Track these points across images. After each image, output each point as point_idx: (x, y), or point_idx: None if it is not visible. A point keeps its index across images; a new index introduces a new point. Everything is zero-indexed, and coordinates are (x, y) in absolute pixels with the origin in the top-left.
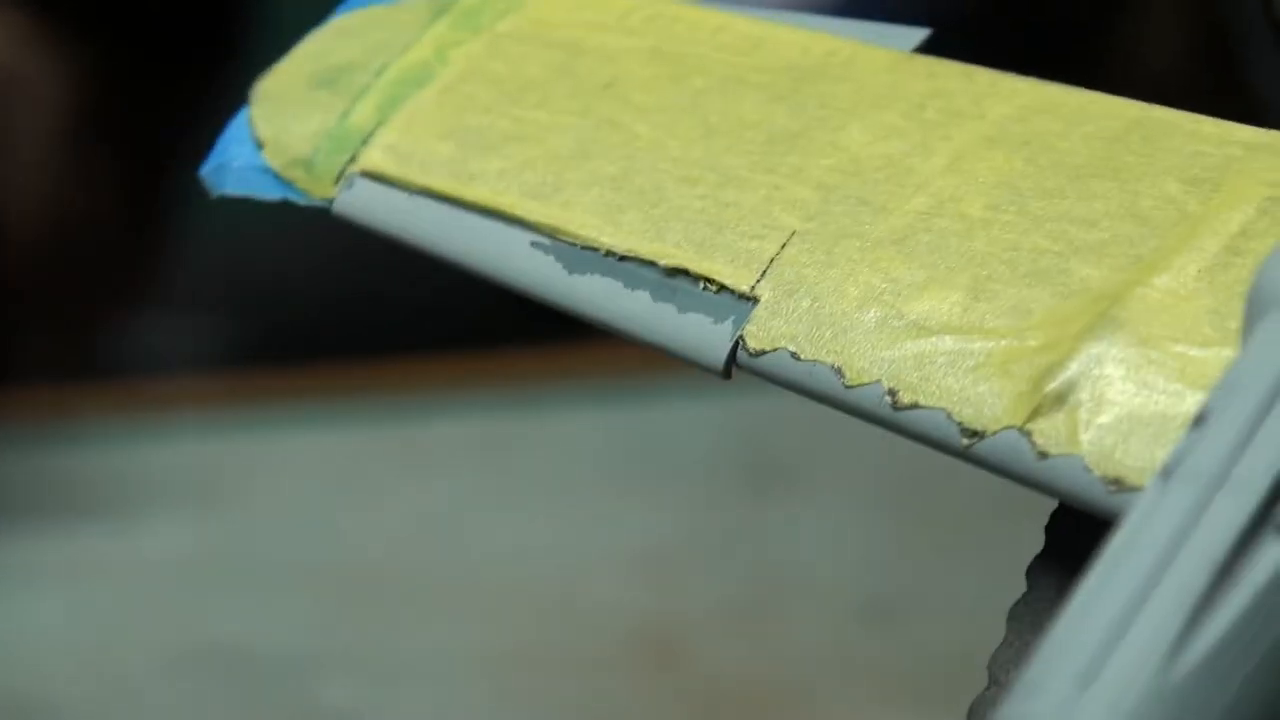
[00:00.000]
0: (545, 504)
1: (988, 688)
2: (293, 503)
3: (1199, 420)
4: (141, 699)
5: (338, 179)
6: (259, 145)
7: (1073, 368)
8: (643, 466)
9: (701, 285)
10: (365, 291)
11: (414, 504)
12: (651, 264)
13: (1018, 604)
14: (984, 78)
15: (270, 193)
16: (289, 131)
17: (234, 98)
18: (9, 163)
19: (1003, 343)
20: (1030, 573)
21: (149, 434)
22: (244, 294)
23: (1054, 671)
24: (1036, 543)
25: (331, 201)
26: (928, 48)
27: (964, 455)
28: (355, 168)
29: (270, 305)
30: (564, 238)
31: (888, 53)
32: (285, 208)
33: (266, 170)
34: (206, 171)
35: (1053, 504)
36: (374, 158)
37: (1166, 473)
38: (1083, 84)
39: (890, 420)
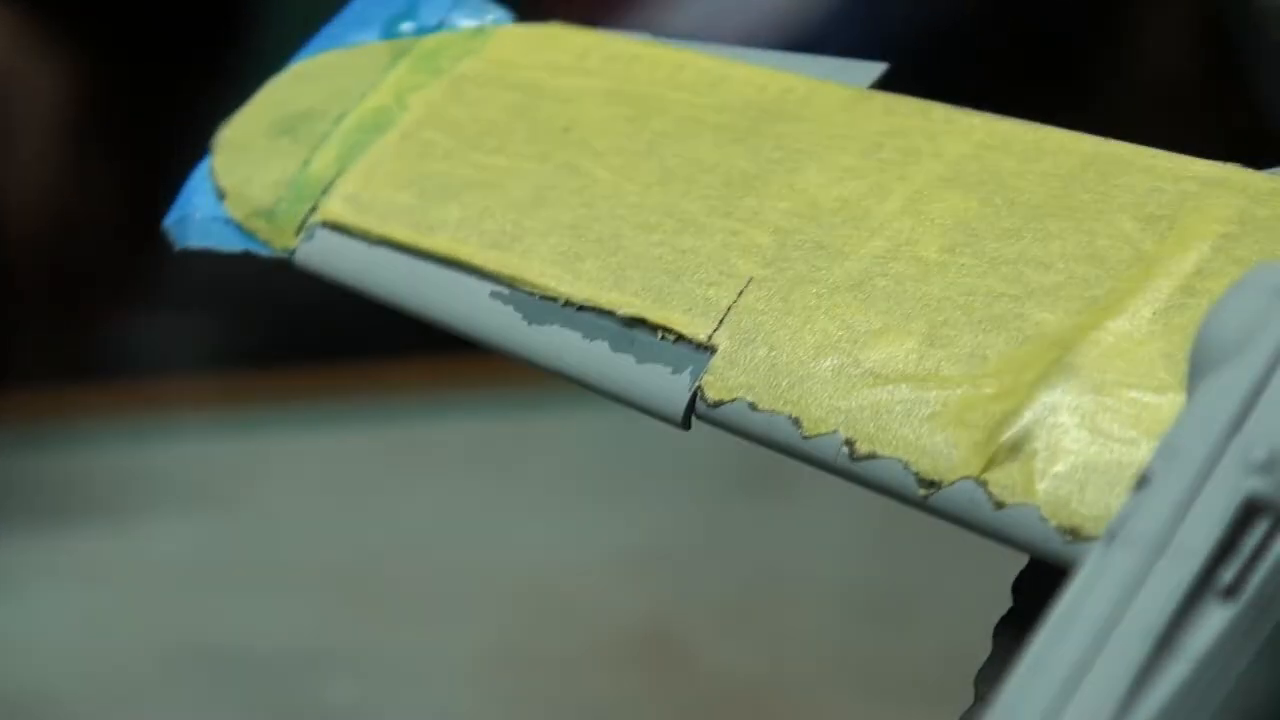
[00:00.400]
0: (542, 504)
1: (974, 703)
2: (291, 504)
3: (1141, 482)
4: (142, 699)
5: (299, 229)
6: (220, 196)
7: (1027, 416)
8: (639, 467)
9: (660, 335)
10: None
11: (412, 505)
12: (610, 314)
13: (1002, 620)
14: (940, 114)
15: (232, 245)
16: (250, 181)
17: (233, 95)
18: (5, 162)
19: (958, 391)
20: (996, 634)
21: (149, 435)
22: (244, 295)
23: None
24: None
25: (293, 253)
26: (885, 82)
27: (921, 505)
28: (316, 218)
29: (270, 307)
30: (523, 287)
31: (845, 89)
32: None
33: (229, 221)
34: (170, 224)
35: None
36: (334, 208)
37: (1110, 536)
38: (1061, 98)
39: (848, 471)
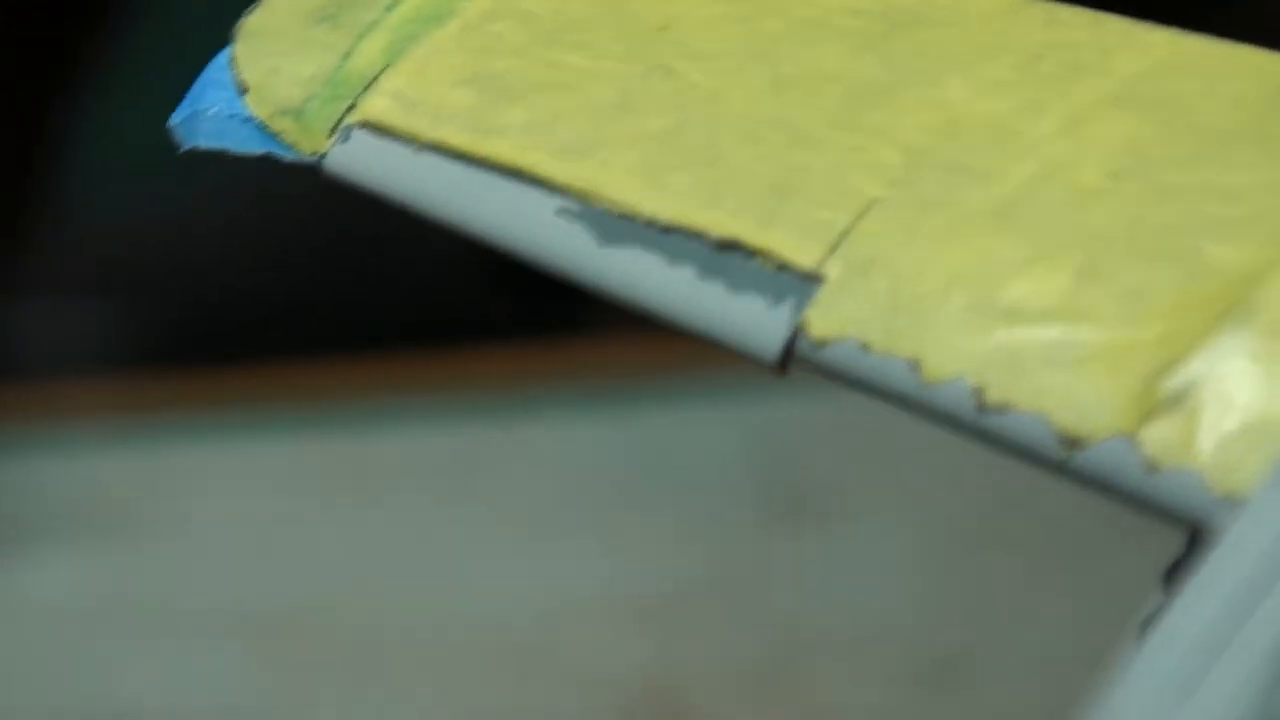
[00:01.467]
0: (527, 536)
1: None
2: (216, 534)
3: None
4: None
5: (333, 130)
6: (241, 91)
7: (1195, 365)
8: (640, 490)
9: (758, 261)
10: (303, 275)
11: (364, 536)
12: (700, 235)
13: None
14: (1114, 26)
15: (250, 146)
16: (278, 74)
17: (122, 72)
18: None
19: (1114, 333)
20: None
21: (33, 448)
22: (152, 283)
23: (1138, 693)
24: (1136, 583)
25: (323, 157)
26: None
27: (1061, 468)
28: (354, 117)
29: (183, 296)
30: (598, 203)
31: None
32: (200, 173)
33: (248, 120)
34: (177, 121)
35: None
36: (377, 106)
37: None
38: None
39: (974, 425)
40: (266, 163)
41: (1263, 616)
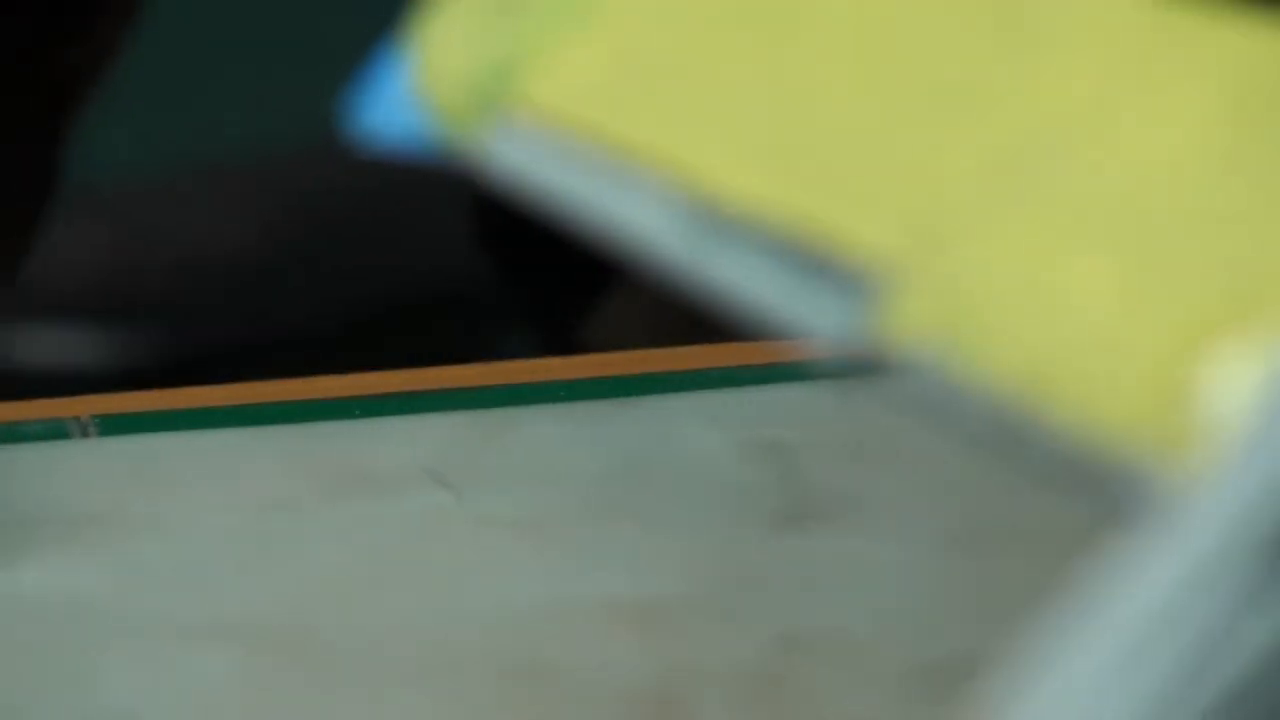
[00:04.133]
0: (513, 542)
1: None
2: (197, 538)
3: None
4: None
5: (489, 115)
6: (414, 76)
7: (1236, 367)
8: (644, 495)
9: (840, 252)
10: (280, 287)
11: (353, 540)
12: (788, 224)
13: None
14: (1234, 19)
15: (417, 133)
16: (446, 60)
17: (120, 51)
18: None
19: (1188, 334)
20: None
21: (19, 450)
22: (136, 295)
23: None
24: None
25: (485, 144)
26: None
27: (1104, 469)
28: (512, 107)
29: (165, 307)
30: (699, 192)
31: None
32: (192, 175)
33: (417, 107)
34: (350, 102)
35: None
36: (534, 94)
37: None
38: None
39: (1033, 431)
40: (257, 160)
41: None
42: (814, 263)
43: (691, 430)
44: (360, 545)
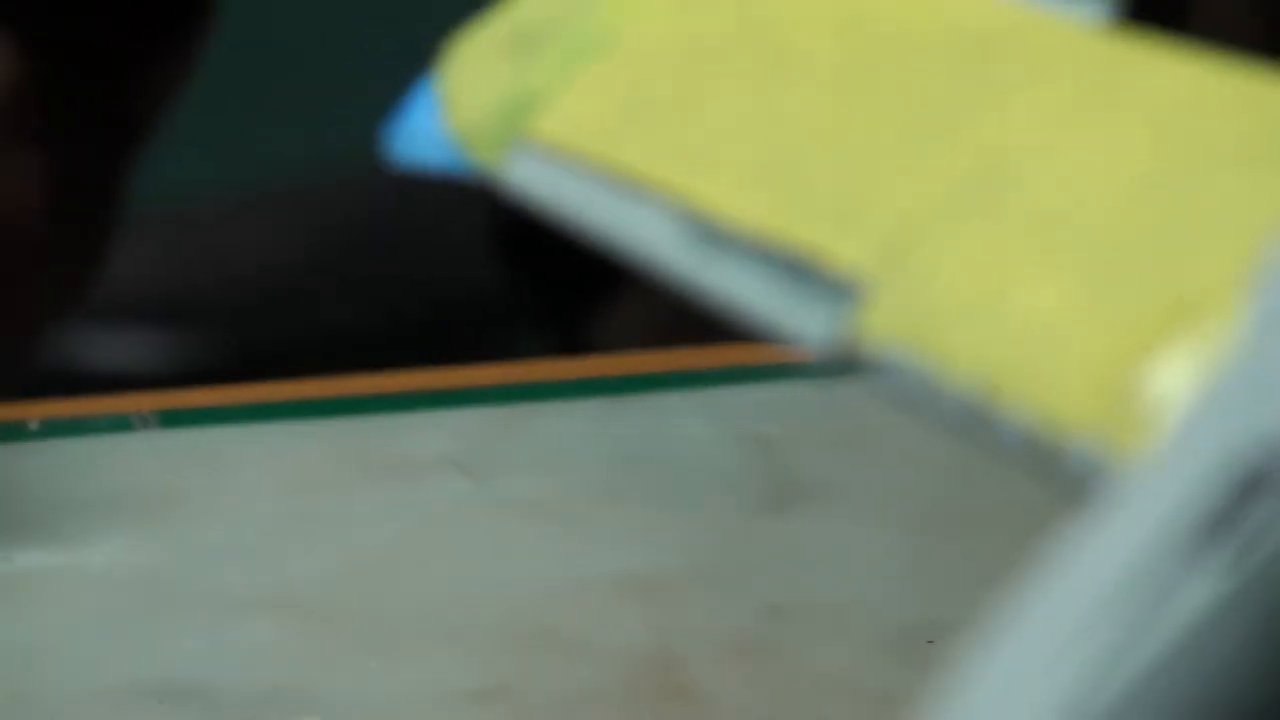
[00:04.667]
0: (532, 522)
1: None
2: (250, 520)
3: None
4: None
5: (512, 146)
6: (441, 108)
7: (1180, 363)
8: (641, 479)
9: (818, 265)
10: (323, 296)
11: (386, 521)
12: (773, 240)
13: None
14: (1176, 58)
15: (442, 158)
16: (471, 94)
17: (185, 103)
18: None
19: (1130, 336)
20: None
21: (93, 442)
22: (196, 302)
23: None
24: None
25: (503, 169)
26: (1118, 24)
27: (1055, 455)
28: (532, 135)
29: (222, 313)
30: (698, 211)
31: (1072, 25)
32: (245, 200)
33: (443, 135)
34: (385, 132)
35: None
36: (552, 125)
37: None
38: None
39: (989, 422)
40: (304, 188)
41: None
42: (798, 274)
43: (687, 424)
44: (392, 525)
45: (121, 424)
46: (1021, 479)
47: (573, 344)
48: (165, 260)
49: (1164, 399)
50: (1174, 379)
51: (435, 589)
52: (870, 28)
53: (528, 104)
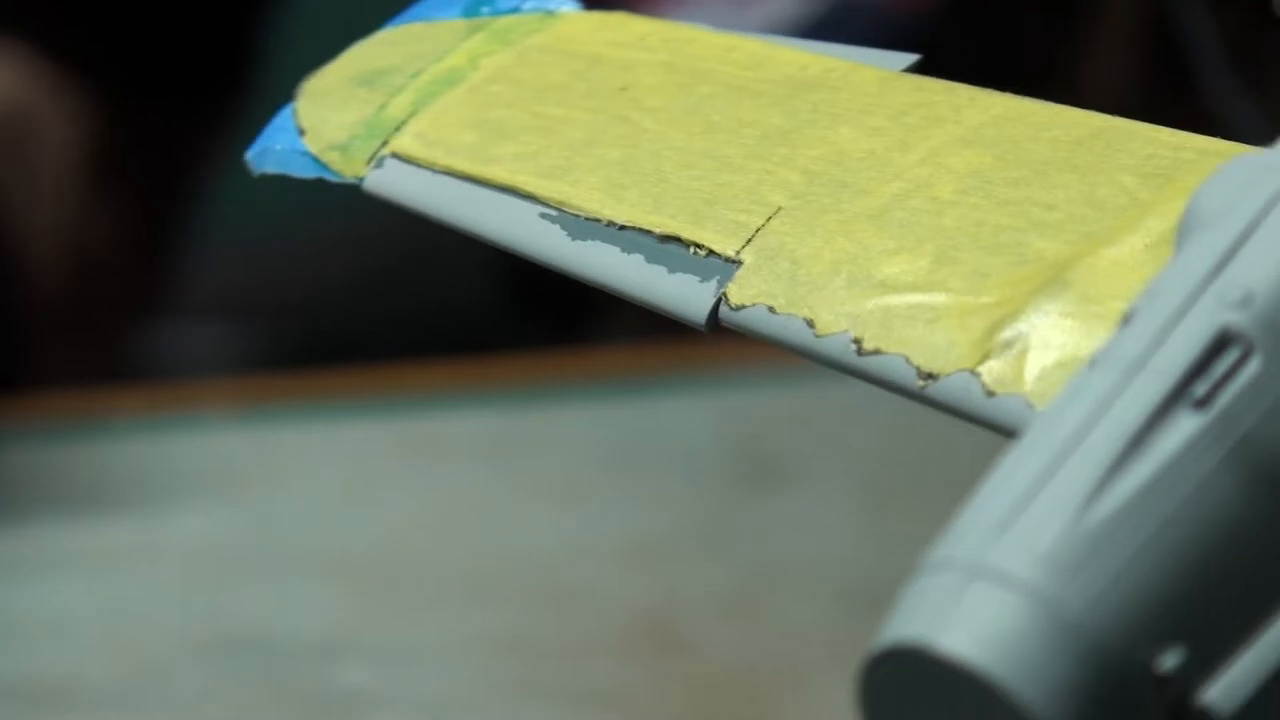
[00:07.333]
0: (549, 497)
1: None
2: (307, 496)
3: (1125, 319)
4: (167, 683)
5: (370, 160)
6: (300, 132)
7: (1022, 319)
8: (642, 461)
9: (691, 250)
10: (374, 300)
11: (423, 497)
12: (648, 233)
13: None
14: (965, 92)
15: (306, 172)
16: (329, 121)
17: (241, 127)
18: (24, 195)
19: (961, 299)
20: None
21: (174, 431)
22: (259, 303)
23: (975, 521)
24: None
25: (363, 180)
26: (916, 71)
27: (919, 396)
28: (386, 150)
29: (285, 313)
30: (570, 210)
31: (880, 70)
32: (300, 220)
33: (305, 154)
34: (251, 155)
35: None
36: (404, 142)
37: (1092, 363)
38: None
39: (855, 366)
40: (351, 208)
41: (1073, 466)
42: (675, 259)
43: (678, 413)
44: (431, 499)
45: (196, 413)
46: (960, 462)
47: (576, 344)
48: (240, 268)
49: (1018, 339)
50: (1022, 324)
51: (463, 553)
52: (707, 78)
53: (387, 127)
